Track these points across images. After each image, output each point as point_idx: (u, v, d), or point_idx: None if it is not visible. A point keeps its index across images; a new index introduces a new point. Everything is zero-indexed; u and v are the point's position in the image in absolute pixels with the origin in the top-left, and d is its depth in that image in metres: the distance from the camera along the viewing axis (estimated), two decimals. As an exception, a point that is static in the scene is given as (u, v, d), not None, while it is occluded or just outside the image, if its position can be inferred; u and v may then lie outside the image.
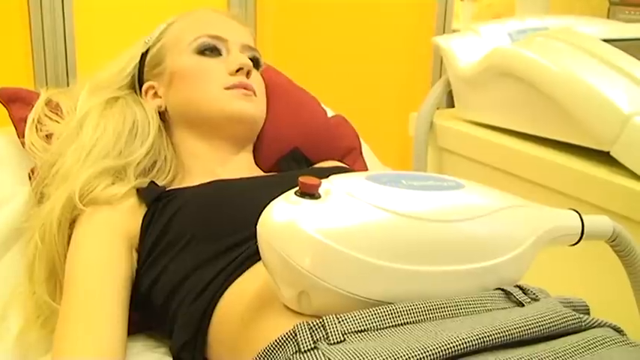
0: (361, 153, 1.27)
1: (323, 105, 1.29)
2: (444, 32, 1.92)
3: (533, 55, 1.15)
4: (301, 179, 0.66)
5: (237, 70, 1.06)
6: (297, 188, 0.67)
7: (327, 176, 0.71)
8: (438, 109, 1.41)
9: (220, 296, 0.82)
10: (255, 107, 1.07)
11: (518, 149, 1.18)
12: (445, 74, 1.40)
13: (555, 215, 0.76)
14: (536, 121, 1.18)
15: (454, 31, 1.88)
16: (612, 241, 0.78)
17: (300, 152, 1.16)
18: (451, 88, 1.39)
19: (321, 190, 0.67)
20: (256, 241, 0.67)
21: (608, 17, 1.91)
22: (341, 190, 0.67)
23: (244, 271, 0.82)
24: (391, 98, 2.00)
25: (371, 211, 0.66)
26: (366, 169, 1.24)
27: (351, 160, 1.23)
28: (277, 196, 0.68)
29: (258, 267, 0.80)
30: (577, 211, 0.78)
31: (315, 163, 1.17)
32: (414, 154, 1.36)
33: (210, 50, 1.07)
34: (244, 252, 0.83)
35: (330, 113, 1.30)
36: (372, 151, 1.42)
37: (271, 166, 1.16)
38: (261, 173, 1.11)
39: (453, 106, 1.40)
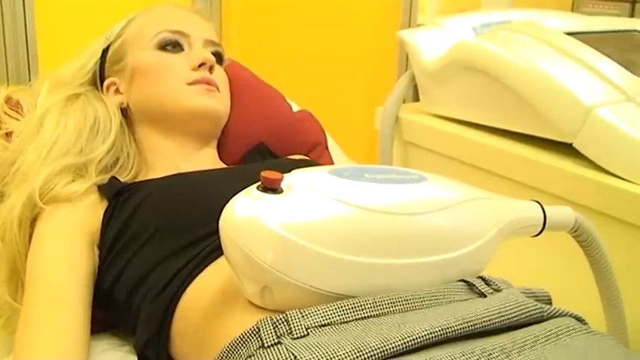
0: (327, 147, 1.27)
1: (288, 100, 1.28)
2: (409, 26, 1.91)
3: (497, 49, 1.15)
4: (263, 174, 0.66)
5: (200, 66, 1.05)
6: (260, 183, 0.66)
7: (290, 170, 0.70)
8: (403, 102, 1.40)
9: (183, 292, 0.81)
10: (218, 102, 1.06)
11: (484, 142, 1.19)
12: (410, 68, 1.40)
13: (517, 207, 0.77)
14: (501, 114, 1.19)
15: (420, 25, 1.88)
16: (574, 232, 0.79)
17: (266, 147, 1.16)
18: (416, 82, 1.38)
19: (283, 185, 0.66)
20: (219, 236, 0.67)
21: (572, 10, 1.90)
22: (303, 184, 0.67)
23: (207, 265, 0.81)
24: (357, 92, 2.00)
25: (333, 205, 0.65)
26: (332, 164, 1.23)
27: (316, 154, 1.23)
28: (241, 190, 0.67)
29: (221, 262, 0.79)
30: (539, 203, 0.78)
31: (279, 157, 1.15)
32: (380, 148, 1.36)
33: (171, 45, 1.07)
34: (208, 247, 0.82)
35: (295, 108, 1.29)
36: (338, 146, 1.42)
37: (236, 161, 1.15)
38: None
39: (419, 100, 1.40)
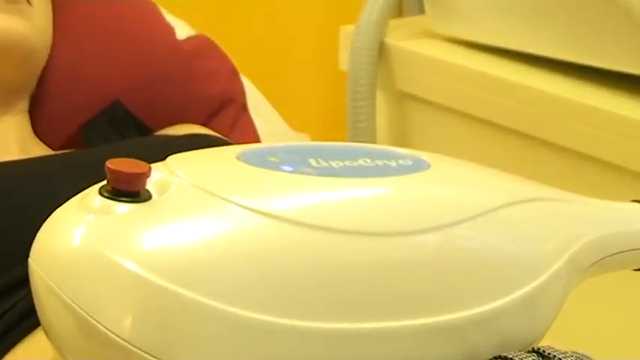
0: (245, 108, 1.20)
1: (171, 18, 1.19)
2: None
3: None
4: (111, 165, 0.58)
5: None
6: (105, 181, 0.59)
7: (165, 157, 0.62)
8: (393, 17, 1.35)
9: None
10: (28, 25, 0.98)
11: (538, 88, 1.15)
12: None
13: (607, 213, 0.71)
14: (575, 39, 1.16)
15: None
16: None
17: (124, 109, 1.09)
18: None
19: (149, 185, 0.58)
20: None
21: None
22: (187, 180, 0.59)
23: (22, 337, 0.76)
24: (308, 4, 1.91)
25: (241, 221, 0.58)
26: (257, 140, 1.18)
27: (223, 122, 1.16)
28: (70, 196, 0.60)
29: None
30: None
31: (153, 129, 1.10)
32: (349, 107, 1.29)
33: None
34: (19, 303, 0.77)
35: (185, 32, 1.20)
36: (271, 105, 1.32)
37: (68, 138, 1.07)
38: (47, 152, 1.03)
39: (422, 13, 1.36)
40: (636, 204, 0.73)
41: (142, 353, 0.56)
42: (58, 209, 0.59)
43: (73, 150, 1.05)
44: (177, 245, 0.57)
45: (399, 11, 1.35)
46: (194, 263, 0.56)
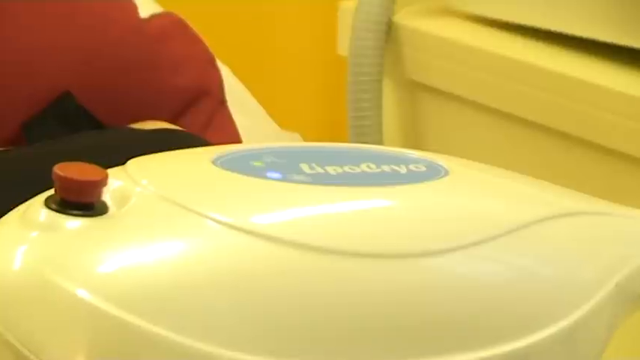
0: (222, 102, 1.17)
1: None
2: None
3: None
4: (60, 171, 0.56)
5: None
6: (52, 191, 0.56)
7: (126, 160, 0.61)
8: None
9: None
10: None
11: (576, 78, 1.14)
12: None
13: None
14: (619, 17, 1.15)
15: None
16: None
17: (76, 103, 1.07)
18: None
19: (105, 195, 0.56)
20: None
21: None
22: (151, 191, 0.58)
23: None
24: None
25: (219, 240, 0.56)
26: (237, 140, 1.18)
27: (197, 118, 1.13)
28: (11, 208, 0.60)
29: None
30: None
31: (111, 126, 1.08)
32: (350, 100, 1.28)
33: None
34: None
35: (149, 9, 1.18)
36: (258, 101, 1.31)
37: (7, 140, 1.06)
38: None
39: None
40: None
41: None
42: None
43: (9, 148, 1.02)
44: (140, 269, 0.54)
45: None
46: (160, 292, 0.54)
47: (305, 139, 1.28)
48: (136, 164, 0.59)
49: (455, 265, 0.59)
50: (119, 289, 0.53)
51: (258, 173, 0.58)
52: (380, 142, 1.31)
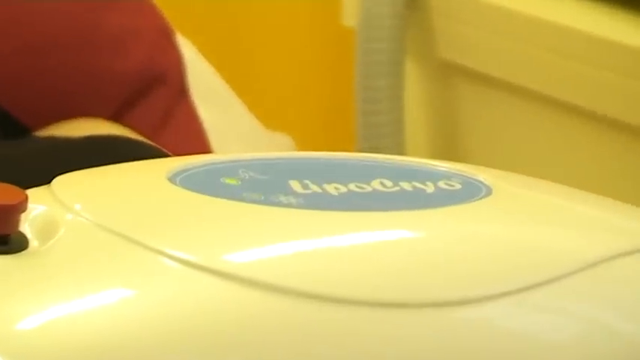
0: (185, 93, 1.10)
1: None
2: None
3: None
4: None
5: None
6: None
7: (52, 178, 0.57)
8: None
9: None
10: None
11: None
12: None
13: None
14: None
15: None
16: None
17: None
18: None
19: (25, 225, 0.53)
20: None
21: None
22: (87, 219, 0.54)
23: None
24: None
25: (179, 284, 0.52)
26: (200, 147, 1.11)
27: (147, 114, 1.07)
28: None
29: None
30: None
31: (33, 129, 1.04)
32: (359, 89, 1.20)
33: None
34: None
35: None
36: (235, 91, 1.24)
37: None
38: None
39: None
40: None
41: None
42: None
43: None
44: (71, 327, 0.49)
45: None
46: (98, 357, 0.49)
47: (297, 144, 1.19)
48: (64, 183, 0.54)
49: (500, 316, 0.54)
50: (42, 355, 0.49)
51: (232, 194, 0.53)
52: (400, 146, 1.22)
